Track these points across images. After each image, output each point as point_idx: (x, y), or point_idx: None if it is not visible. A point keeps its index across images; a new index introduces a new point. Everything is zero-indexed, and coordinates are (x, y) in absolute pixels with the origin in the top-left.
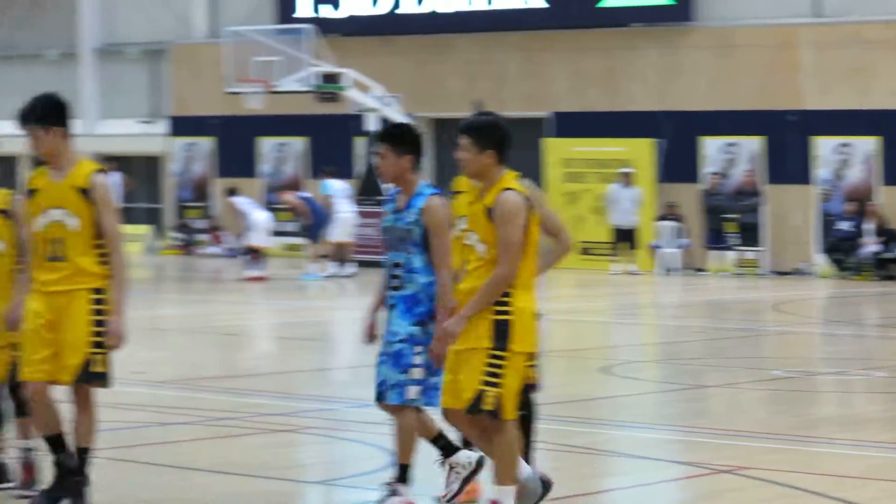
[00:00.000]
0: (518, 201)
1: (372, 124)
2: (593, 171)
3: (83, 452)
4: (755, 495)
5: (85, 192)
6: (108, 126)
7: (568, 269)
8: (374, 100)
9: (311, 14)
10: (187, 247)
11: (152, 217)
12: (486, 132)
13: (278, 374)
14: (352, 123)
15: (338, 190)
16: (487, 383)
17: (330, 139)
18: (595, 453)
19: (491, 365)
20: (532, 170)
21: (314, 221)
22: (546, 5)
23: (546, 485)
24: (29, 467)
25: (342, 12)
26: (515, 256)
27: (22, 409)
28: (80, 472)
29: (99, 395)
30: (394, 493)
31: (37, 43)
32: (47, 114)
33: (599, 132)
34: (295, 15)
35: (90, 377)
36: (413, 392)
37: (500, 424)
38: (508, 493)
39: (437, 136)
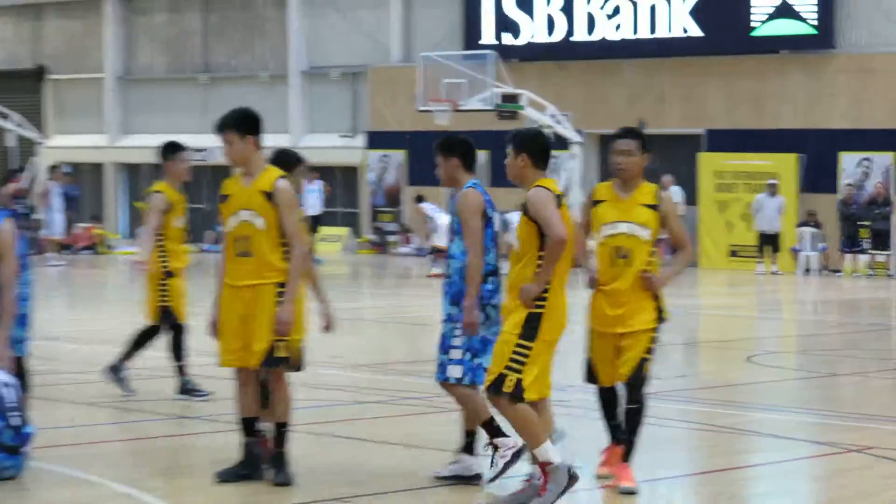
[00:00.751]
0: (545, 193)
1: None
2: (742, 182)
3: (281, 427)
4: (880, 472)
5: (269, 196)
6: (312, 139)
7: (718, 269)
8: (548, 118)
9: (494, 41)
10: (381, 247)
11: (350, 220)
12: (520, 140)
13: None
14: None
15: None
16: (510, 368)
17: None
18: (738, 433)
19: (516, 353)
20: (688, 180)
21: None
22: (702, 34)
23: (572, 477)
24: (265, 441)
25: (521, 40)
26: (560, 224)
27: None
28: (281, 444)
29: (301, 376)
30: (495, 448)
31: (252, 66)
32: (242, 123)
33: (749, 147)
34: (480, 41)
35: (274, 361)
36: (455, 371)
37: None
38: (545, 449)
39: (603, 150)
